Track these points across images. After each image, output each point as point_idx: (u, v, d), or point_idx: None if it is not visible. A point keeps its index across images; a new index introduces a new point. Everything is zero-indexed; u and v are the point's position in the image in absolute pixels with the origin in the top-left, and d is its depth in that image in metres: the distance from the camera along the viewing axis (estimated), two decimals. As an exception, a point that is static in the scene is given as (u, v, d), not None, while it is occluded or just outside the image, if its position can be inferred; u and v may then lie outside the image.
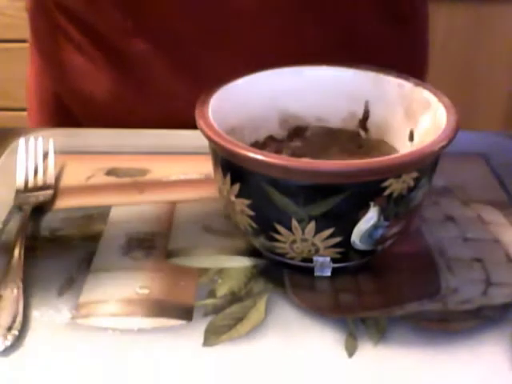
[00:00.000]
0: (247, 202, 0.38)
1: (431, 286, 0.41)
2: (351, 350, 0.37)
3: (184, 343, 0.37)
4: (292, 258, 0.40)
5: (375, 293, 0.41)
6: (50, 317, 0.39)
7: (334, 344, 0.37)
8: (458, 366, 0.36)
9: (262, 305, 0.40)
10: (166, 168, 0.53)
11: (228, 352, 0.37)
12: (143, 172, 0.53)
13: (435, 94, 0.42)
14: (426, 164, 0.37)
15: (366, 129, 0.46)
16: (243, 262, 0.43)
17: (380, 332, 0.38)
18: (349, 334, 0.38)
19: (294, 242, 0.38)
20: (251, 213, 0.38)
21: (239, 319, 0.39)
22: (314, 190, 0.36)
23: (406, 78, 0.44)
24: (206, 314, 0.39)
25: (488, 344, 0.38)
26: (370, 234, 0.38)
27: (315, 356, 0.37)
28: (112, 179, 0.52)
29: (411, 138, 0.43)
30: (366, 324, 0.39)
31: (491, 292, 0.41)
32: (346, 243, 0.38)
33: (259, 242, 0.41)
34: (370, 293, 0.41)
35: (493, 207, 0.49)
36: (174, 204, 0.49)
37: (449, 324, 0.39)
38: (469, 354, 0.37)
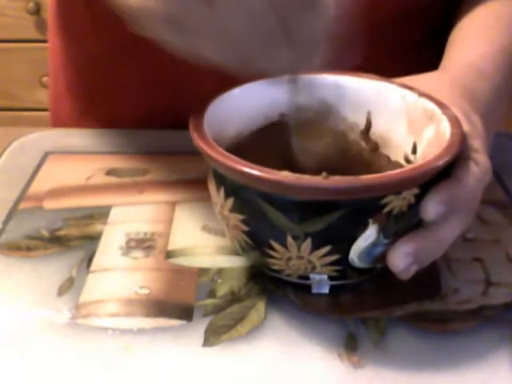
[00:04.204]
0: (241, 217, 0.37)
1: (431, 286, 0.41)
2: (351, 351, 0.37)
3: (184, 343, 0.37)
4: (288, 275, 0.39)
5: (375, 293, 0.41)
6: (50, 317, 0.39)
7: (334, 344, 0.37)
8: (458, 366, 0.36)
9: (261, 305, 0.40)
10: (165, 168, 0.53)
11: (228, 352, 0.37)
12: (143, 172, 0.53)
13: (439, 106, 0.40)
14: (428, 180, 0.36)
15: (368, 140, 0.45)
16: (243, 262, 0.43)
17: (380, 332, 0.38)
18: (349, 334, 0.38)
19: (289, 259, 0.38)
20: (245, 228, 0.38)
21: (239, 319, 0.39)
22: (309, 207, 0.35)
23: (410, 89, 0.43)
24: (205, 314, 0.39)
25: (488, 344, 0.37)
26: (368, 252, 0.37)
27: (315, 356, 0.37)
28: (112, 179, 0.52)
29: (414, 150, 0.42)
30: (366, 324, 0.39)
31: (491, 292, 0.41)
32: (344, 261, 0.37)
33: (254, 258, 0.40)
34: (370, 293, 0.41)
35: (493, 207, 0.49)
36: (173, 204, 0.49)
37: (449, 324, 0.39)
38: (469, 353, 0.37)
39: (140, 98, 0.64)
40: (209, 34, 0.36)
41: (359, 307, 0.40)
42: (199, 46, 0.37)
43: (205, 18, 0.35)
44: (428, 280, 0.42)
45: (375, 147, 0.45)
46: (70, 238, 0.45)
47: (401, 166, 0.43)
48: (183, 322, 0.39)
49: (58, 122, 0.71)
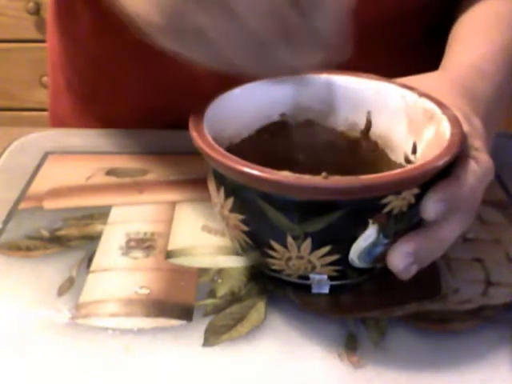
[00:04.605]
0: (241, 217, 0.37)
1: (431, 286, 0.41)
2: (351, 351, 0.37)
3: (184, 343, 0.37)
4: (288, 275, 0.39)
5: (375, 293, 0.41)
6: (50, 317, 0.39)
7: (334, 344, 0.37)
8: (458, 366, 0.36)
9: (261, 305, 0.40)
10: (166, 168, 0.53)
11: (228, 352, 0.37)
12: (143, 172, 0.53)
13: (440, 106, 0.40)
14: (428, 180, 0.36)
15: (368, 140, 0.45)
16: (243, 262, 0.43)
17: (380, 332, 0.38)
18: (349, 334, 0.38)
19: (289, 259, 0.38)
20: (245, 228, 0.38)
21: (239, 319, 0.39)
22: (309, 207, 0.35)
23: (410, 89, 0.42)
24: (205, 314, 0.39)
25: (488, 344, 0.38)
26: (368, 252, 0.37)
27: (315, 356, 0.37)
28: (112, 179, 0.52)
29: (414, 150, 0.42)
30: (366, 324, 0.39)
31: (491, 292, 0.41)
32: (344, 261, 0.37)
33: (254, 258, 0.40)
34: (370, 293, 0.41)
35: (493, 207, 0.49)
36: (173, 204, 0.49)
37: (449, 324, 0.39)
38: (469, 354, 0.37)
39: (140, 98, 0.64)
40: (209, 42, 0.36)
41: (359, 307, 0.40)
42: (200, 53, 0.37)
43: (204, 25, 0.36)
44: (428, 280, 0.42)
45: (375, 147, 0.45)
46: (70, 238, 0.45)
47: (401, 166, 0.43)
48: (183, 322, 0.39)
49: (57, 122, 0.71)
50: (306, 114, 0.46)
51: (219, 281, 0.42)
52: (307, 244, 0.36)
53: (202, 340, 0.37)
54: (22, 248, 0.44)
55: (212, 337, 0.38)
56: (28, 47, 1.50)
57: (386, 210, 0.36)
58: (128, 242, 0.45)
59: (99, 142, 0.57)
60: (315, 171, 0.36)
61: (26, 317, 0.39)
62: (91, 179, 0.52)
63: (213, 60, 0.38)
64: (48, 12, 0.70)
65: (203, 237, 0.46)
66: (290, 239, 0.36)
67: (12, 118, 1.56)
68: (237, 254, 0.43)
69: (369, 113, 0.45)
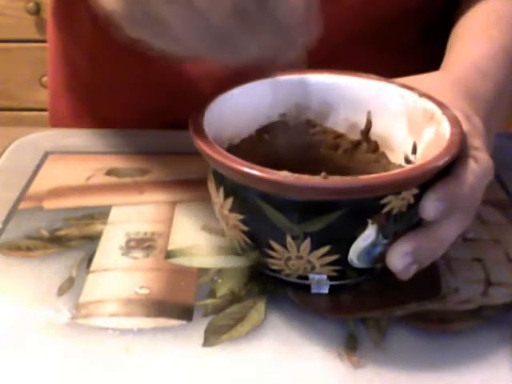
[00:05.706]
0: (240, 217, 0.37)
1: (431, 286, 0.41)
2: (351, 351, 0.37)
3: (184, 343, 0.37)
4: (288, 275, 0.39)
5: (375, 293, 0.41)
6: (50, 317, 0.39)
7: (334, 344, 0.37)
8: (458, 366, 0.36)
9: (261, 305, 0.40)
10: (165, 168, 0.53)
11: (228, 352, 0.37)
12: (143, 172, 0.53)
13: (440, 106, 0.40)
14: (427, 180, 0.36)
15: (368, 140, 0.45)
16: (243, 262, 0.43)
17: (380, 332, 0.38)
18: (349, 334, 0.38)
19: (288, 259, 0.38)
20: (245, 228, 0.38)
21: (239, 319, 0.39)
22: (309, 207, 0.35)
23: (410, 89, 0.42)
24: (206, 314, 0.39)
25: (488, 344, 0.37)
26: (368, 252, 0.37)
27: (315, 356, 0.37)
28: (112, 179, 0.52)
29: (414, 151, 0.42)
30: (366, 324, 0.39)
31: (491, 292, 0.41)
32: (343, 261, 0.37)
33: (254, 258, 0.40)
34: (370, 293, 0.41)
35: (493, 207, 0.49)
36: (174, 204, 0.49)
37: (449, 324, 0.39)
38: (469, 354, 0.37)
39: (140, 98, 0.64)
40: (171, 31, 0.36)
41: (359, 307, 0.40)
42: (162, 42, 0.37)
43: (165, 16, 0.35)
44: (428, 280, 0.42)
45: (375, 147, 0.45)
46: (70, 238, 0.45)
47: (401, 166, 0.43)
48: (183, 322, 0.39)
49: (56, 122, 0.71)
50: (306, 114, 0.46)
51: (219, 281, 0.42)
52: (306, 244, 0.36)
53: (201, 340, 0.37)
54: (22, 248, 0.44)
55: (212, 337, 0.38)
56: (28, 47, 1.50)
57: (386, 210, 0.36)
58: (128, 241, 0.45)
59: (99, 142, 0.57)
60: (315, 171, 0.36)
61: (26, 317, 0.39)
62: (91, 179, 0.52)
63: (175, 48, 0.37)
64: (48, 11, 0.70)
65: (203, 237, 0.46)
66: (289, 239, 0.36)
67: (12, 118, 1.56)
68: (237, 254, 0.43)
69: (369, 113, 0.45)
